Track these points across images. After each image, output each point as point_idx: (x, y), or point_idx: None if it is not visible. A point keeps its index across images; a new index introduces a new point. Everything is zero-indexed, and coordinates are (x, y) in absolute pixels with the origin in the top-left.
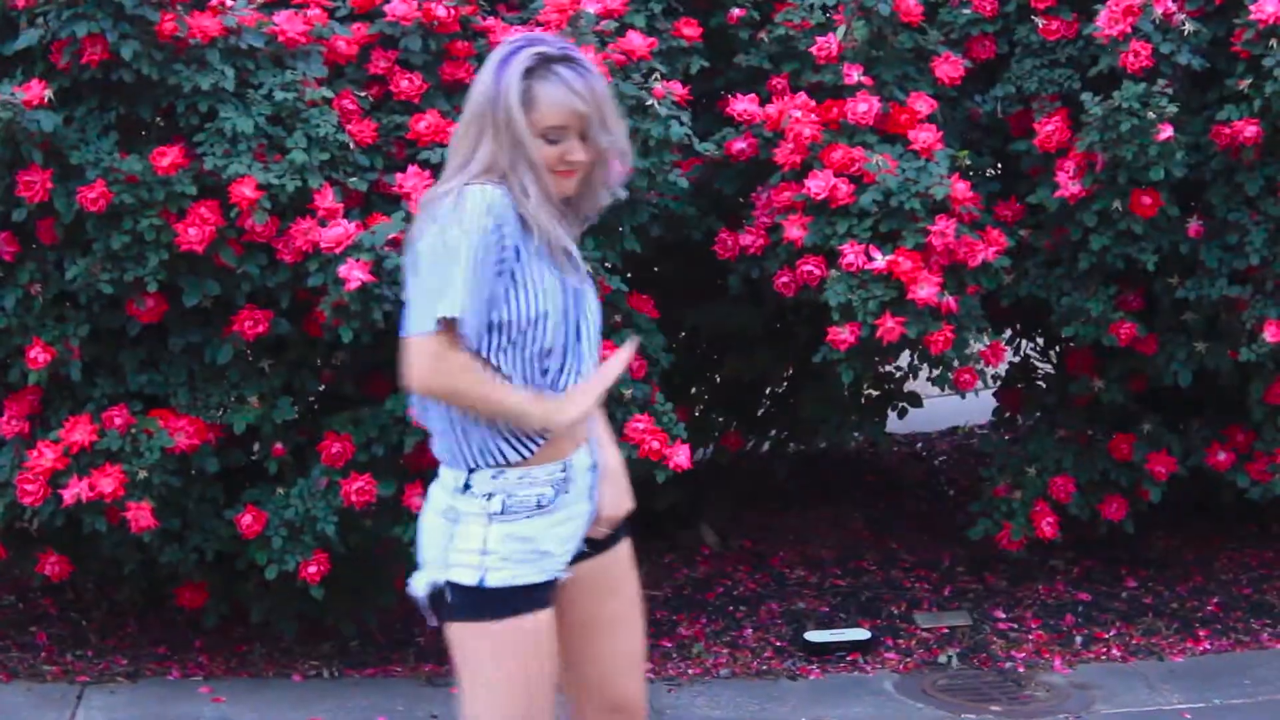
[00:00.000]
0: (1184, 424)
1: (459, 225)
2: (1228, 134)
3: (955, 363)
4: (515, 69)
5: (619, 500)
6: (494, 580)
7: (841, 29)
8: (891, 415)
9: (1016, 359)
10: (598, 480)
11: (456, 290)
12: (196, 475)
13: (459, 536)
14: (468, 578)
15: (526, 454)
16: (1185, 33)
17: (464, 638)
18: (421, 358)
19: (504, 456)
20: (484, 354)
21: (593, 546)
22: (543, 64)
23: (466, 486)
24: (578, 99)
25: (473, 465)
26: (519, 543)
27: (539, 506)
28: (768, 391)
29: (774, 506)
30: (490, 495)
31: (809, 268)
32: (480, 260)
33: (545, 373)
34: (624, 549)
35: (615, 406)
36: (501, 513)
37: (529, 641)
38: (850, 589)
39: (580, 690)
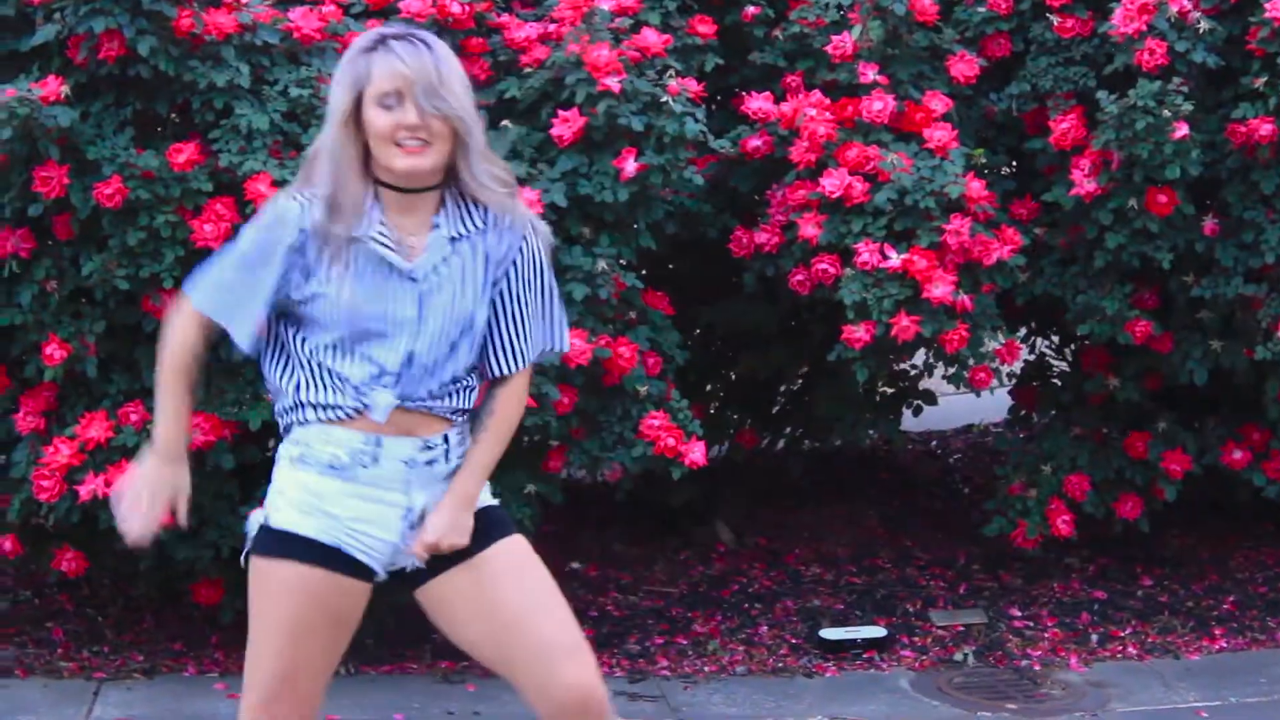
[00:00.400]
0: (1199, 422)
1: (251, 224)
2: (1243, 132)
3: (970, 361)
4: (355, 50)
5: (446, 529)
6: (276, 520)
7: (857, 28)
8: (906, 413)
9: (1031, 357)
10: (432, 501)
11: (209, 280)
12: (212, 471)
13: (273, 478)
14: (264, 515)
15: (321, 417)
16: (1200, 31)
17: (251, 571)
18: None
19: (304, 416)
20: (281, 337)
21: (440, 563)
22: (380, 41)
23: (285, 432)
24: (405, 66)
25: (287, 419)
26: (306, 493)
27: (331, 467)
28: (783, 389)
29: (789, 504)
30: (296, 443)
31: (824, 266)
32: (244, 257)
33: (331, 362)
34: (496, 552)
35: (631, 403)
36: (299, 459)
37: (296, 591)
38: (866, 587)
39: (538, 705)
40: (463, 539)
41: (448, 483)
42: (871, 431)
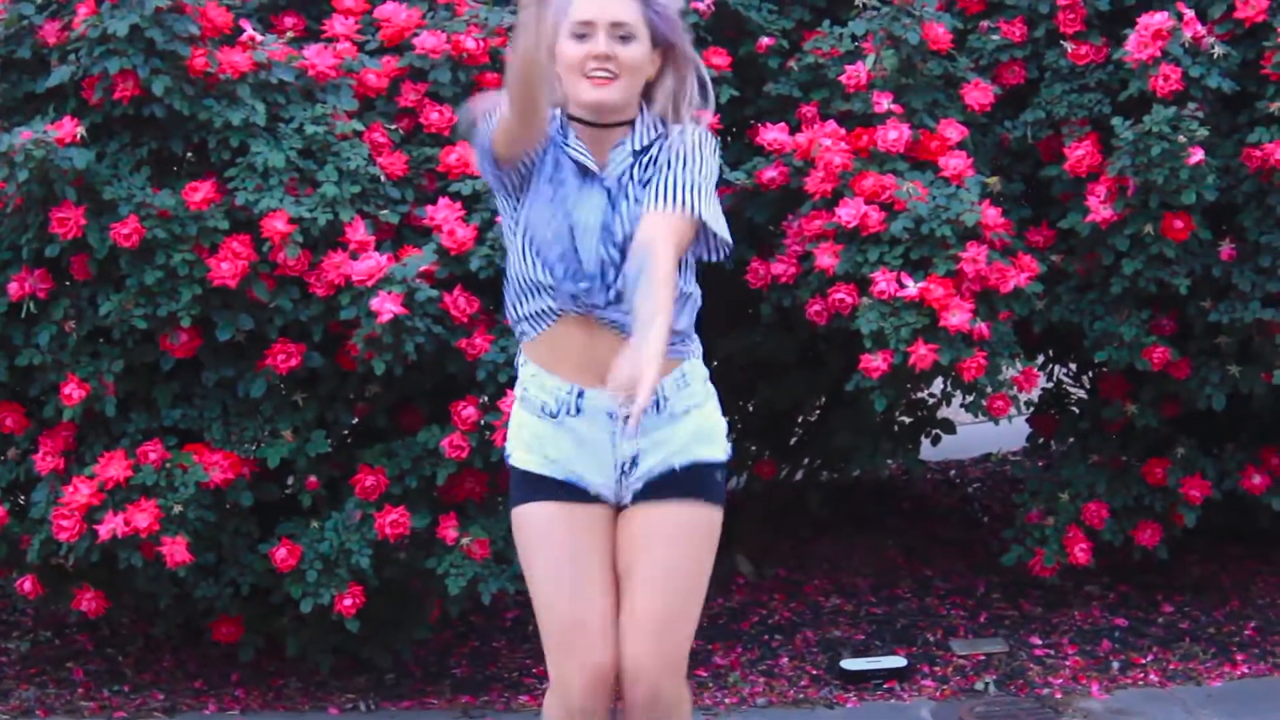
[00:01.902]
0: (1218, 448)
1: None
2: (1259, 156)
3: (988, 389)
4: None
5: (630, 372)
6: (513, 459)
7: (871, 58)
8: (925, 442)
9: (1049, 385)
10: (645, 449)
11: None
12: (231, 509)
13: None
14: (507, 445)
15: (533, 332)
16: (1215, 56)
17: (513, 526)
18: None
19: (521, 332)
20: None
21: (634, 497)
22: None
23: (518, 364)
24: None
25: (519, 343)
26: (527, 431)
27: (543, 410)
28: (800, 419)
29: (808, 535)
30: (520, 382)
31: (841, 296)
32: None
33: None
34: (670, 511)
35: None
36: (521, 400)
37: (530, 530)
38: (886, 617)
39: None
40: (641, 388)
41: (661, 431)
42: (890, 461)
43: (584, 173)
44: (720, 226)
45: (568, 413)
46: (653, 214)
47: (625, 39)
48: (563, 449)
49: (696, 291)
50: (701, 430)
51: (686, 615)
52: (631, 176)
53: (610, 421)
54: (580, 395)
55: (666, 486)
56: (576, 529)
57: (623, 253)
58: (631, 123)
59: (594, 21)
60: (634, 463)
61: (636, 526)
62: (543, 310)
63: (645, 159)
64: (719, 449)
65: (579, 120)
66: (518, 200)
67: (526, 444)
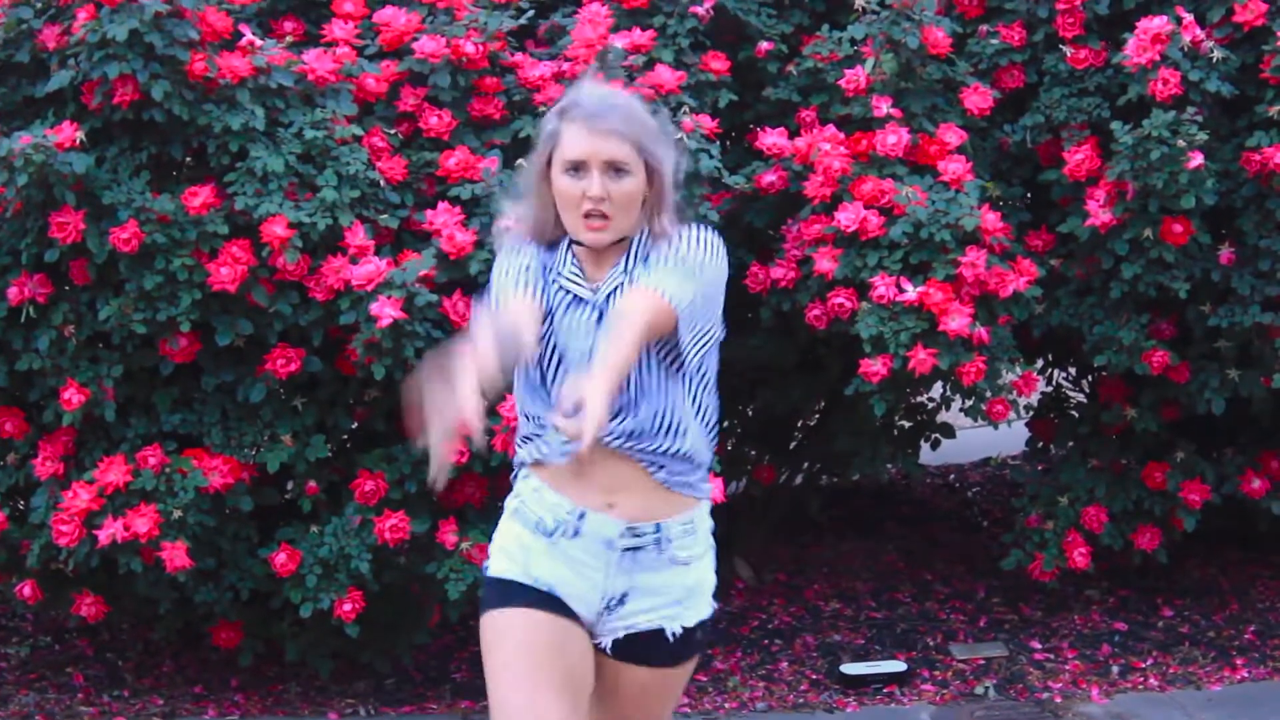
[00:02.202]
0: (1218, 452)
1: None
2: (1258, 161)
3: (988, 393)
4: (549, 115)
5: (572, 396)
6: (491, 568)
7: (870, 62)
8: (924, 447)
9: (1049, 389)
10: (635, 589)
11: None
12: (230, 514)
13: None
14: (489, 557)
15: (538, 456)
16: (1214, 60)
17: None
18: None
19: (527, 456)
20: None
21: (615, 651)
22: (573, 106)
23: (515, 476)
24: (596, 137)
25: (519, 461)
26: (517, 544)
27: (537, 527)
28: (800, 424)
29: (807, 539)
30: (515, 495)
31: (840, 300)
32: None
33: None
34: (658, 677)
35: None
36: (514, 513)
37: (496, 636)
38: (885, 621)
39: None
40: (589, 405)
41: (658, 575)
42: (889, 465)
43: (575, 298)
44: (700, 325)
45: (565, 534)
46: (629, 292)
47: (619, 173)
48: (550, 569)
49: (711, 403)
50: (698, 588)
51: None
52: (620, 291)
53: (607, 550)
54: (582, 517)
55: (656, 651)
56: (545, 634)
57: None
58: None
59: (587, 161)
60: (621, 600)
61: (623, 688)
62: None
63: (636, 271)
64: (709, 605)
65: (578, 243)
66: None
67: (510, 554)
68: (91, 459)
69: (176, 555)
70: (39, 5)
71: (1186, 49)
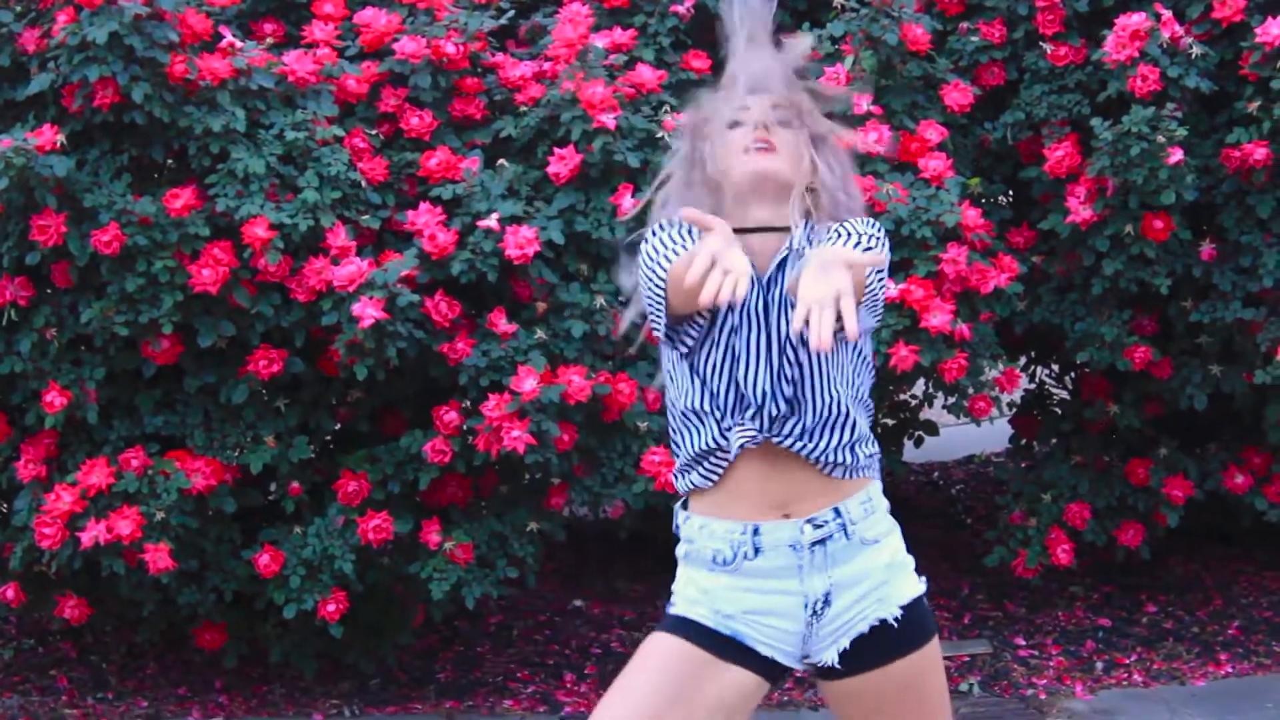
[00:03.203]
0: (1200, 448)
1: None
2: (1238, 156)
3: (970, 390)
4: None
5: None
6: (675, 609)
7: (849, 59)
8: (908, 444)
9: (1031, 386)
10: (839, 584)
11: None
12: (214, 516)
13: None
14: (672, 603)
15: (704, 482)
16: (1193, 56)
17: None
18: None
19: (691, 484)
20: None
21: (852, 664)
22: (731, 79)
23: (678, 524)
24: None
25: (682, 501)
26: (694, 587)
27: (714, 561)
28: None
29: None
30: (683, 540)
31: None
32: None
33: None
34: (900, 672)
35: (631, 439)
36: (685, 558)
37: (649, 650)
38: None
39: None
40: (826, 286)
41: (853, 563)
42: None
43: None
44: (875, 302)
45: (745, 556)
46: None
47: (783, 123)
48: (740, 600)
49: (868, 381)
50: (896, 564)
51: None
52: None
53: (796, 554)
54: (756, 532)
55: (887, 645)
56: (682, 671)
57: (787, 375)
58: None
59: (749, 106)
60: (826, 601)
61: (878, 693)
62: (713, 448)
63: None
64: (916, 581)
65: (741, 230)
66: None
67: (693, 598)
68: (74, 461)
69: (159, 557)
70: (18, 9)
71: (1165, 45)
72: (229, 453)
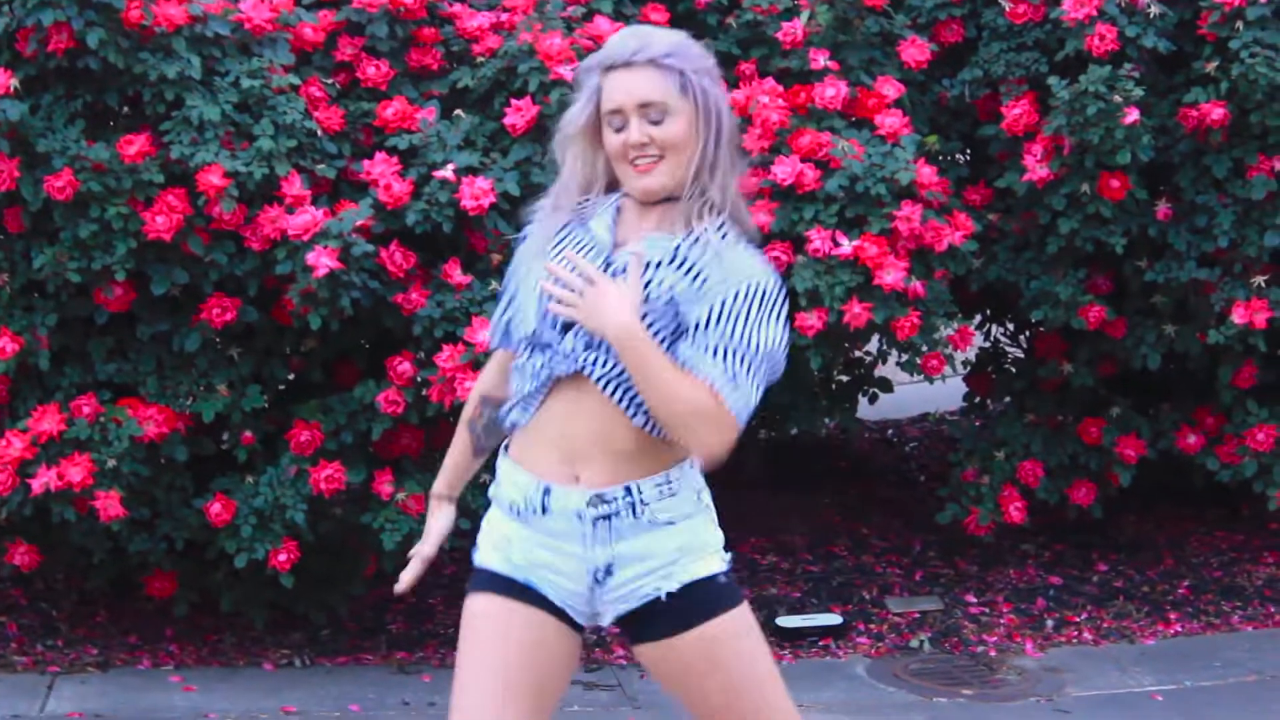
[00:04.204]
0: (1154, 408)
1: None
2: (1195, 116)
3: (923, 347)
4: (586, 73)
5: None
6: (477, 557)
7: (805, 13)
8: (863, 402)
9: (986, 344)
10: (621, 557)
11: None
12: (165, 464)
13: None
14: (477, 546)
15: (517, 418)
16: (1151, 16)
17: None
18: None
19: (512, 421)
20: None
21: (639, 632)
22: (609, 56)
23: (499, 462)
24: (630, 76)
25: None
26: (497, 533)
27: (510, 509)
28: None
29: (745, 494)
30: (495, 479)
31: (776, 254)
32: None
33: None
34: (683, 646)
35: None
36: (492, 495)
37: (470, 624)
38: (822, 575)
39: None
40: (595, 318)
41: (638, 540)
42: (827, 420)
43: (591, 250)
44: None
45: (534, 512)
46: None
47: (658, 120)
48: (529, 553)
49: None
50: (690, 546)
51: (767, 713)
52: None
53: (579, 523)
54: (547, 493)
55: (667, 618)
56: (512, 630)
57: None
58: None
59: (622, 108)
60: (608, 571)
61: (664, 665)
62: (533, 377)
63: (681, 264)
64: (714, 562)
65: (629, 196)
66: None
67: (494, 544)
68: (25, 408)
69: (110, 505)
70: None
71: (1124, 5)
72: (181, 401)
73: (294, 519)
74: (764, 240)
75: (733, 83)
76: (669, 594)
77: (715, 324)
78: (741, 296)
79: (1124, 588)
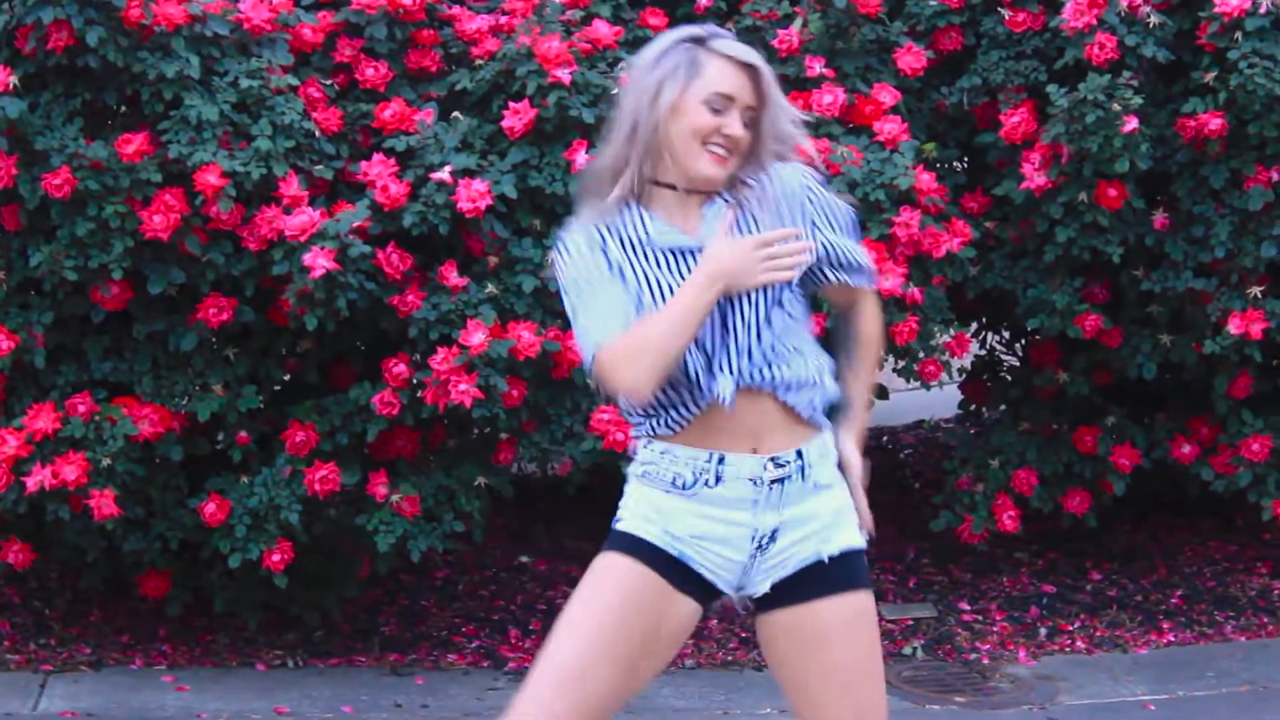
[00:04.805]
0: (1148, 417)
1: (568, 262)
2: (1193, 126)
3: (920, 354)
4: (678, 42)
5: (858, 471)
6: (624, 525)
7: (799, 20)
8: None
9: (982, 352)
10: (785, 523)
11: (595, 320)
12: (160, 463)
13: (624, 493)
14: (620, 519)
15: (666, 430)
16: (1150, 25)
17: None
18: (611, 371)
19: (652, 429)
20: None
21: (784, 596)
22: (712, 37)
23: (635, 454)
24: (749, 67)
25: (637, 436)
26: (648, 506)
27: (674, 484)
28: None
29: None
30: (640, 462)
31: None
32: (595, 283)
33: (686, 372)
34: (829, 606)
35: (581, 396)
36: (642, 475)
37: (624, 583)
38: None
39: None
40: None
41: (804, 504)
42: None
43: (679, 255)
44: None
45: (706, 484)
46: (858, 299)
47: (748, 124)
48: (690, 524)
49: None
50: (842, 512)
51: (881, 713)
52: (739, 228)
53: (753, 488)
54: (722, 461)
55: (820, 580)
56: (644, 600)
57: (744, 317)
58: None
59: (735, 98)
60: (772, 537)
61: (804, 630)
62: (683, 406)
63: (749, 211)
64: (860, 535)
65: (664, 185)
66: None
67: (646, 516)
68: (21, 406)
69: (105, 504)
70: None
71: (1123, 14)
72: (177, 400)
73: (288, 519)
74: None
75: None
76: (829, 558)
77: (833, 233)
78: (808, 184)
79: (1117, 597)
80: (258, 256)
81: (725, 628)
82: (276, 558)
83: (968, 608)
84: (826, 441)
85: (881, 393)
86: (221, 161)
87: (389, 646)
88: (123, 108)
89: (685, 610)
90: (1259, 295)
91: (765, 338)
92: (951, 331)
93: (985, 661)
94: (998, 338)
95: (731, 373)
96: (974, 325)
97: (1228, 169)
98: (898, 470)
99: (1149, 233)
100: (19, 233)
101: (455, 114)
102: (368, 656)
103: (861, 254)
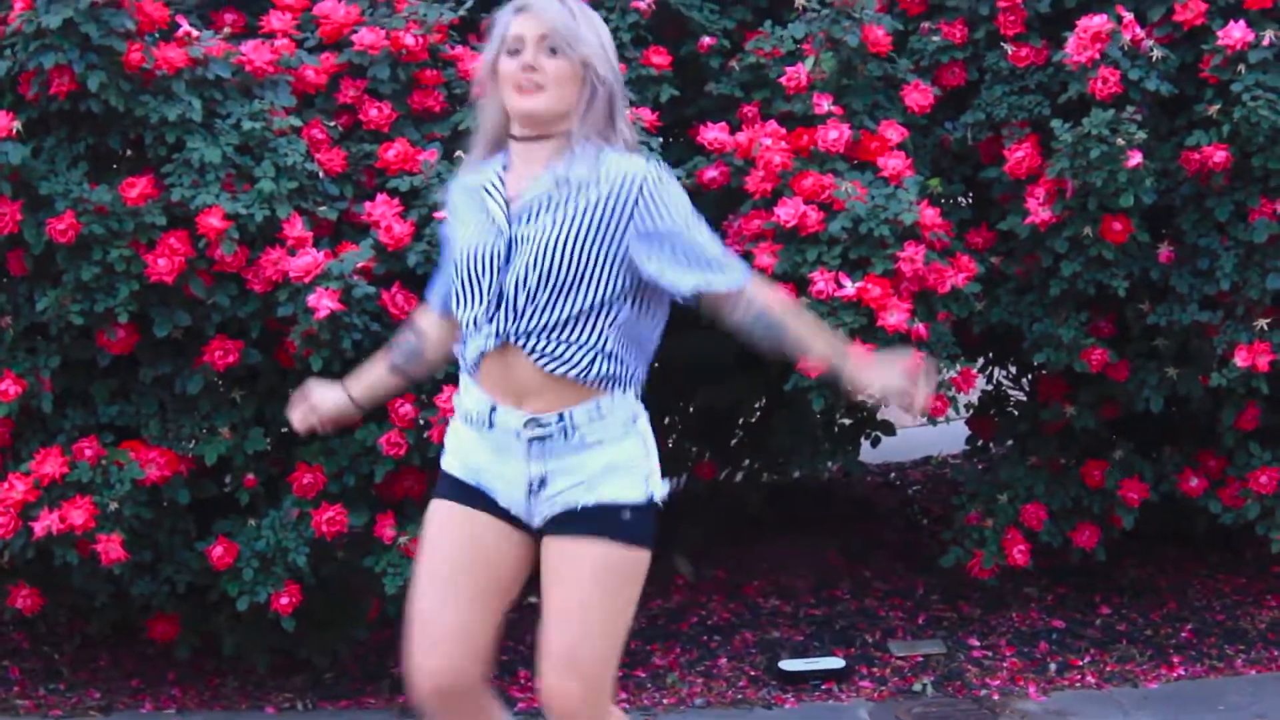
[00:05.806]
0: (1156, 451)
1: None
2: (1197, 159)
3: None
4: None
5: (884, 377)
6: (443, 460)
7: (810, 60)
8: (865, 445)
9: (989, 387)
10: (557, 470)
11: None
12: (168, 507)
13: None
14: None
15: (466, 365)
16: (1154, 59)
17: None
18: None
19: (463, 360)
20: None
21: (545, 529)
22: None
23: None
24: (533, 17)
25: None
26: (455, 438)
27: (466, 419)
28: (741, 421)
29: (748, 536)
30: (460, 386)
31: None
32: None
33: (472, 315)
34: (579, 547)
35: None
36: (457, 404)
37: (430, 523)
38: (824, 618)
39: None
40: (897, 380)
41: (570, 459)
42: (830, 463)
43: (491, 200)
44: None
45: (483, 425)
46: (737, 298)
47: (553, 51)
48: (481, 459)
49: (627, 315)
50: (614, 466)
51: (600, 651)
52: (548, 203)
53: (518, 440)
54: (493, 410)
55: (574, 522)
56: (470, 534)
57: (524, 284)
58: (563, 145)
59: (523, 35)
60: (542, 483)
61: (551, 560)
62: (463, 342)
63: (572, 189)
64: (634, 489)
65: (515, 137)
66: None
67: (453, 449)
68: (28, 450)
69: (112, 548)
70: None
71: (1126, 48)
72: (184, 443)
73: (296, 562)
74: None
75: (735, 125)
76: (584, 506)
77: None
78: (661, 195)
79: (1127, 631)
80: (263, 298)
81: (735, 666)
82: (285, 600)
83: (977, 643)
84: (605, 404)
85: (888, 429)
86: (224, 204)
87: (399, 688)
88: (126, 151)
89: (503, 532)
90: (1265, 327)
91: (547, 311)
92: (958, 367)
93: (996, 697)
94: (1004, 373)
95: (497, 331)
96: (980, 360)
97: (1232, 202)
98: (906, 507)
99: (1154, 266)
100: (25, 278)
101: (459, 153)
102: (377, 699)
103: (713, 250)
